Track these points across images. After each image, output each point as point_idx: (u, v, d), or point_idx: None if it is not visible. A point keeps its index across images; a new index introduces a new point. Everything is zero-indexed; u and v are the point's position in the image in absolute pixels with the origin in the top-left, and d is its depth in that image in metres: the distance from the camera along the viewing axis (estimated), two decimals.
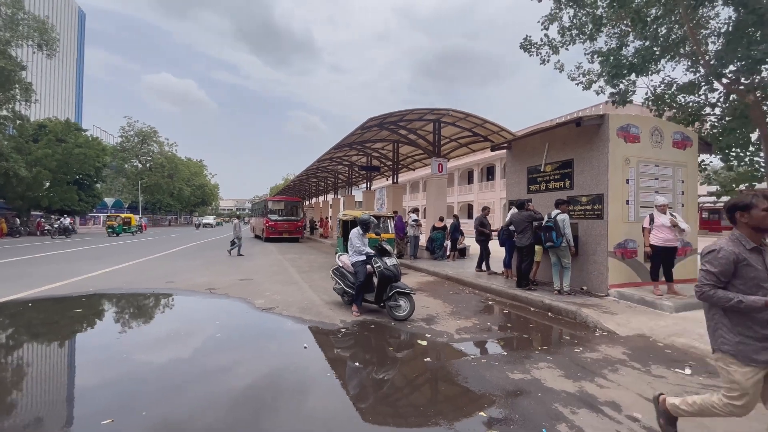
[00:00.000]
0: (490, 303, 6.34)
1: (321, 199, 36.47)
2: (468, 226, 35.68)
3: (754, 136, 7.51)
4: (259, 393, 3.04)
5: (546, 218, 6.21)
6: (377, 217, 9.88)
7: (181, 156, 62.33)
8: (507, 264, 7.96)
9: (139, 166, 53.22)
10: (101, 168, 33.50)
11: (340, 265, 6.05)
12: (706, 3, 7.89)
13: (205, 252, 14.78)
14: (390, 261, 5.36)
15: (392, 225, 10.06)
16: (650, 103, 8.42)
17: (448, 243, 11.53)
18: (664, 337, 4.53)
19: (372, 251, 5.52)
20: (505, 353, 4.03)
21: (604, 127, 6.31)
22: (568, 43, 9.94)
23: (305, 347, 4.15)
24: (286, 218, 20.05)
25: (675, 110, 8.20)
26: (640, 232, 6.39)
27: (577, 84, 10.36)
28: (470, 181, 39.09)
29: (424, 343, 4.36)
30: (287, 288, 7.46)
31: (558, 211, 6.13)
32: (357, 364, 3.72)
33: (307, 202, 41.46)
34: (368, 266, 5.52)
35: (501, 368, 3.62)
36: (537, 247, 6.88)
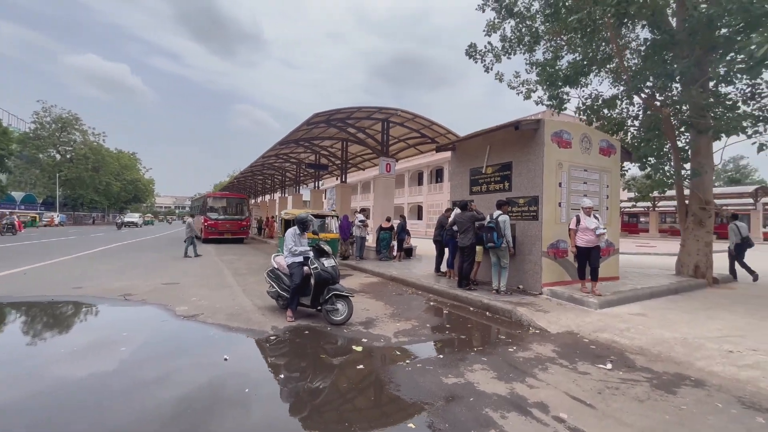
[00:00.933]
0: (431, 304, 6.29)
1: (268, 197, 35.04)
2: (418, 226, 36.45)
3: (666, 147, 8.28)
4: (159, 418, 2.60)
5: (488, 219, 6.27)
6: (321, 216, 9.50)
7: (111, 147, 56.32)
8: (450, 264, 8.00)
9: (58, 156, 47.16)
10: (5, 156, 29.13)
11: (275, 266, 5.65)
12: (628, 24, 8.60)
13: (130, 254, 13.33)
14: (328, 262, 5.08)
15: (336, 225, 9.71)
16: (581, 112, 8.95)
17: (394, 243, 11.42)
18: (589, 333, 4.72)
19: (310, 252, 5.19)
20: (441, 356, 3.93)
21: (540, 132, 6.53)
22: (509, 52, 10.30)
23: (225, 359, 3.72)
24: (229, 217, 18.40)
25: (601, 121, 8.79)
26: (565, 233, 6.68)
27: (518, 93, 10.81)
28: (420, 182, 39.65)
29: (360, 348, 4.13)
30: (217, 293, 6.85)
31: (500, 212, 6.22)
32: (282, 376, 3.39)
33: (253, 201, 39.70)
34: (305, 268, 5.18)
35: (435, 372, 3.49)
36: (478, 248, 6.96)
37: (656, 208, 31.48)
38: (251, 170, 25.28)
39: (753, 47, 5.87)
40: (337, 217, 9.95)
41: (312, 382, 3.29)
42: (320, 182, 24.40)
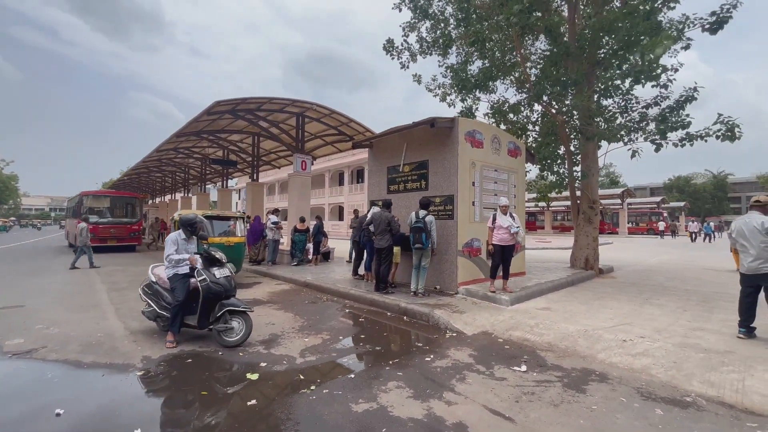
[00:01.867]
0: (347, 311, 5.83)
1: (169, 197, 31.19)
2: (339, 228, 35.83)
3: (561, 151, 9.04)
4: None
5: (414, 218, 5.99)
6: (225, 218, 8.37)
7: None
8: (368, 267, 7.61)
9: None
10: None
11: (153, 280, 4.59)
12: (529, 36, 9.22)
13: None
14: (220, 272, 4.25)
15: (243, 227, 8.66)
16: (489, 116, 9.31)
17: (310, 246, 10.74)
18: (503, 332, 4.68)
19: (198, 260, 4.29)
20: (353, 376, 3.43)
21: (454, 131, 6.49)
22: (425, 52, 10.32)
23: (58, 414, 2.71)
24: (114, 220, 14.92)
25: (507, 125, 9.26)
26: (484, 232, 6.80)
27: (434, 96, 10.97)
28: (341, 182, 39.15)
29: (256, 376, 3.42)
30: (78, 315, 5.41)
31: (425, 211, 5.98)
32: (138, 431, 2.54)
33: (151, 201, 35.02)
34: (191, 280, 4.28)
35: (344, 399, 2.98)
36: (396, 249, 6.73)
37: (550, 208, 35.64)
38: (145, 166, 22.04)
39: (636, 57, 6.60)
40: (245, 218, 8.87)
41: None
42: (230, 180, 22.46)
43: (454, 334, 4.68)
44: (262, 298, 6.76)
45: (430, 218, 5.96)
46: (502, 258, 6.00)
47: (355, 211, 10.61)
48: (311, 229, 10.80)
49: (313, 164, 15.06)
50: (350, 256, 9.86)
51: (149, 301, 4.53)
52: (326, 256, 11.25)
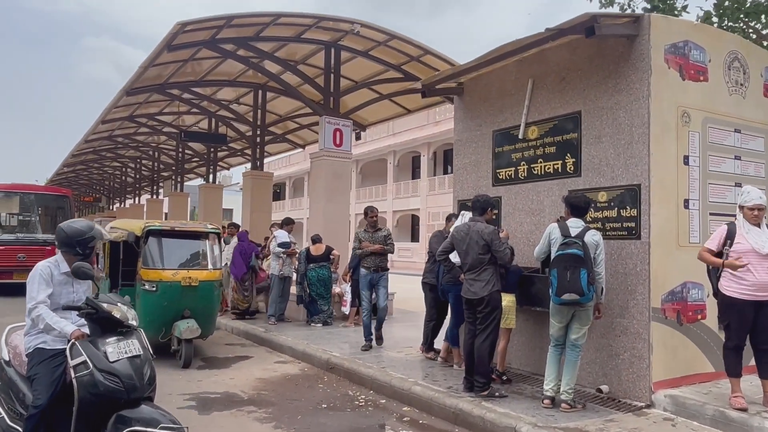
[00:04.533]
0: None
1: (132, 201, 33.54)
2: (411, 253, 35.41)
3: None
4: None
5: (558, 235, 5.35)
6: (187, 235, 8.05)
7: None
8: (452, 337, 6.88)
9: None
10: None
11: (7, 359, 4.22)
12: None
13: None
14: (119, 349, 3.61)
15: (219, 252, 8.27)
16: (714, 14, 7.92)
17: (346, 290, 10.29)
18: None
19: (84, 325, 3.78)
20: None
21: (641, 44, 5.61)
22: None
23: None
24: (24, 237, 15.36)
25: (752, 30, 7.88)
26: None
27: None
28: (415, 172, 38.99)
29: None
30: None
31: (581, 223, 5.38)
32: None
33: (106, 207, 38.06)
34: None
35: None
36: (508, 299, 6.04)
37: None
38: (93, 149, 23.81)
39: None
40: (218, 233, 8.51)
41: None
42: (223, 172, 23.19)
43: None
44: (243, 391, 6.35)
45: (596, 237, 5.27)
46: (752, 327, 4.91)
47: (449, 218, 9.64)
48: (337, 258, 10.52)
49: (359, 137, 14.78)
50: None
51: None
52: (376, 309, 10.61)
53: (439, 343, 7.48)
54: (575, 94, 6.13)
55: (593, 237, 5.18)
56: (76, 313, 3.79)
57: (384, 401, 5.95)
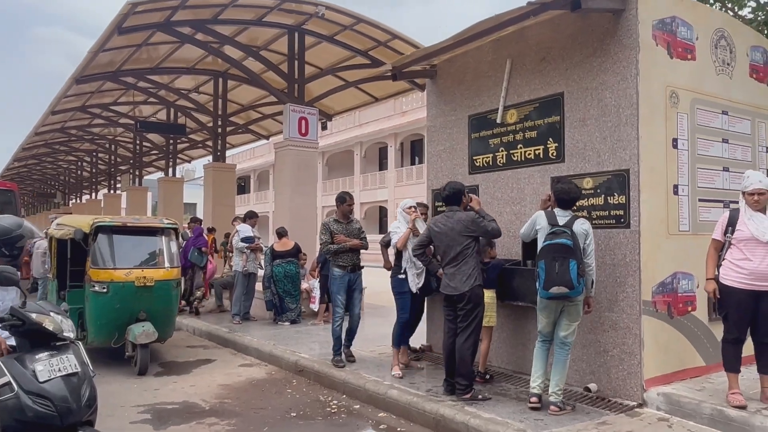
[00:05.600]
0: None
1: (89, 197, 32.57)
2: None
3: None
4: None
5: (545, 224, 5.16)
6: (141, 231, 7.66)
7: None
8: (398, 337, 6.41)
9: None
10: None
11: None
12: None
13: None
14: (51, 367, 3.17)
15: (174, 247, 7.86)
16: None
17: (314, 286, 10.02)
18: None
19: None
20: None
21: (628, 19, 5.40)
22: None
23: None
24: None
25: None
26: (701, 258, 5.55)
27: None
28: (382, 162, 38.91)
29: None
30: None
31: (570, 213, 5.17)
32: None
33: (62, 202, 36.85)
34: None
35: None
36: (488, 295, 5.77)
37: None
38: (44, 141, 22.81)
39: None
40: (179, 232, 8.14)
41: None
42: (183, 166, 22.41)
43: None
44: (203, 400, 5.97)
45: (585, 226, 5.08)
46: (753, 320, 4.75)
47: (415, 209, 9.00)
48: (310, 253, 10.21)
49: (325, 126, 14.46)
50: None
51: None
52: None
53: (416, 340, 7.20)
54: (557, 75, 5.94)
55: (582, 226, 4.99)
56: (0, 325, 3.31)
57: (358, 407, 5.68)
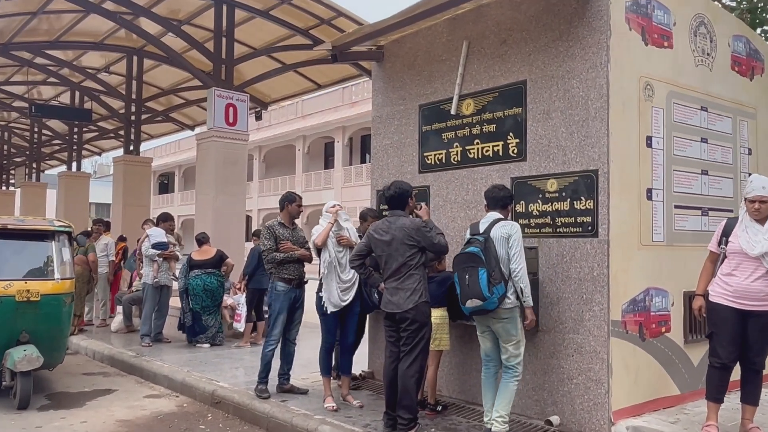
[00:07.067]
0: None
1: None
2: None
3: None
4: None
5: (469, 234, 5.27)
6: (33, 235, 7.31)
7: None
8: (328, 362, 6.33)
9: None
10: None
11: None
12: None
13: None
14: None
15: (67, 255, 7.53)
16: None
17: (238, 300, 9.91)
18: None
19: None
20: None
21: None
22: None
23: None
24: None
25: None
26: (676, 271, 5.75)
27: None
28: (329, 162, 38.89)
29: None
30: None
31: (496, 215, 5.17)
32: None
33: None
34: None
35: None
36: (437, 314, 5.75)
37: None
38: None
39: None
40: (73, 235, 7.79)
41: None
42: (92, 159, 21.63)
43: None
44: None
45: (507, 228, 5.09)
46: (741, 344, 4.75)
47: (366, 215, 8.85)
48: (229, 262, 10.01)
49: (259, 116, 14.34)
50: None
51: None
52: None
53: (357, 366, 6.99)
54: (519, 61, 5.89)
55: (502, 229, 5.00)
56: None
57: None
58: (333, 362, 6.27)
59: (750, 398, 4.70)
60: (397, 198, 5.45)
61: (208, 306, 9.36)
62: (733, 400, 5.10)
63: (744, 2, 8.12)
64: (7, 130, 23.58)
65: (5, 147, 25.80)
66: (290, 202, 6.61)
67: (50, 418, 6.10)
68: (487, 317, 4.95)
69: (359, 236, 6.49)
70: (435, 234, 5.30)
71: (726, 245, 4.74)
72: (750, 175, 6.01)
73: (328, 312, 6.05)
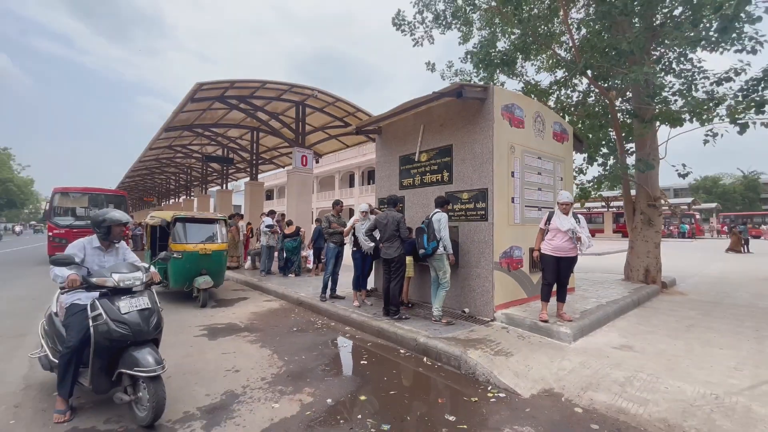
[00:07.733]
0: (345, 346, 4.42)
1: (173, 201, 30.45)
2: None
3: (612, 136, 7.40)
4: None
5: (424, 218, 5.03)
6: (202, 221, 6.97)
7: None
8: (356, 285, 6.07)
9: None
10: None
11: (55, 310, 3.18)
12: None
13: None
14: (129, 304, 2.77)
15: (226, 231, 7.24)
16: (527, 93, 7.71)
17: (309, 254, 9.44)
18: (577, 393, 3.08)
19: (120, 280, 2.83)
20: None
21: (488, 104, 5.17)
22: (443, 27, 8.78)
23: None
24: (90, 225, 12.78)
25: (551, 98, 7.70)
26: (527, 238, 5.50)
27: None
28: (351, 184, 38.12)
29: None
30: None
31: (438, 210, 4.98)
32: None
33: (163, 204, 34.36)
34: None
35: None
36: (408, 259, 5.49)
37: (610, 209, 30.88)
38: (145, 166, 21.17)
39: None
40: (227, 221, 7.55)
41: None
42: (233, 182, 21.29)
43: (502, 395, 3.11)
44: (240, 322, 5.42)
45: (437, 216, 4.89)
46: (557, 273, 4.63)
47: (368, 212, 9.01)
48: (304, 234, 9.67)
49: (317, 161, 14.05)
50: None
51: (43, 342, 3.09)
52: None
53: (369, 284, 6.83)
54: (449, 134, 5.61)
55: (435, 216, 4.85)
56: (84, 286, 2.79)
57: (333, 324, 5.28)
58: (357, 283, 6.22)
59: (561, 298, 4.65)
60: (392, 202, 5.32)
61: (292, 255, 9.10)
62: (552, 301, 5.08)
63: (559, 105, 7.98)
64: (189, 168, 23.09)
65: (188, 177, 25.23)
66: (336, 204, 6.63)
67: (217, 312, 5.99)
68: (431, 259, 4.84)
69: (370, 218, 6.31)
70: (404, 227, 5.08)
71: (549, 224, 4.66)
72: (561, 190, 5.86)
73: (359, 254, 5.92)
